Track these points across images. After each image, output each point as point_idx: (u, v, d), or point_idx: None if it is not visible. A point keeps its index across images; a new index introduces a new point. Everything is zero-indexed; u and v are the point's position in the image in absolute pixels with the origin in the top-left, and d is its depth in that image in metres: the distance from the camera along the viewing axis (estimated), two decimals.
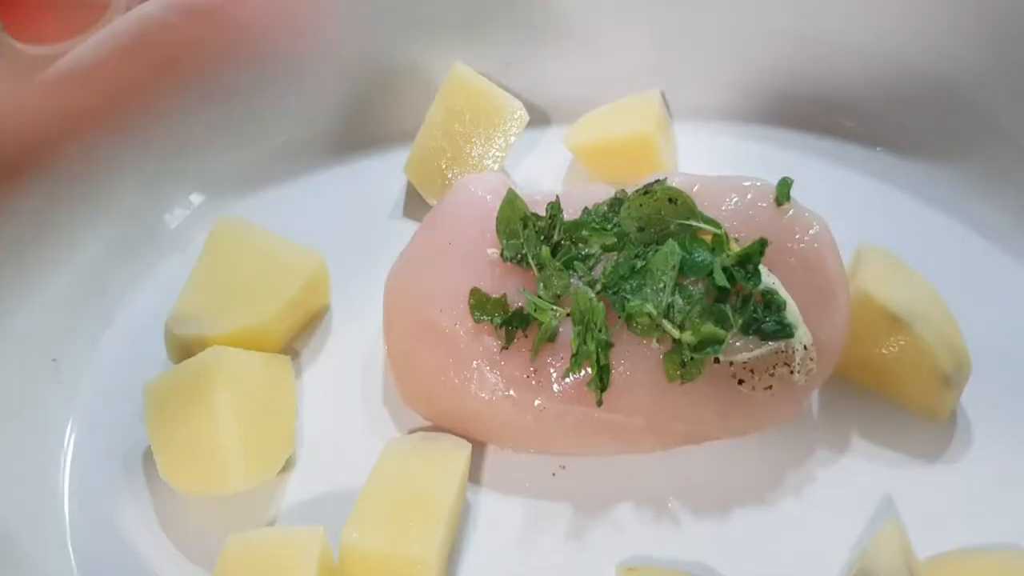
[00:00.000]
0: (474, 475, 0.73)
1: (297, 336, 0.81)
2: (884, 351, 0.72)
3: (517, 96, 0.91)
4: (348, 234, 0.88)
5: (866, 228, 0.83)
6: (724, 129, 0.95)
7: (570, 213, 0.74)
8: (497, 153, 0.88)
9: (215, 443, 0.67)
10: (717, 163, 0.85)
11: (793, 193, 0.73)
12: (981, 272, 0.83)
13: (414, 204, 0.90)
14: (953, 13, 0.86)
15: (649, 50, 0.95)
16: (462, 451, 0.71)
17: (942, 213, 0.87)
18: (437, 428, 0.75)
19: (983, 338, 0.77)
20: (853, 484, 0.72)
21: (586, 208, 0.74)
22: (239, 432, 0.67)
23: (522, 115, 0.89)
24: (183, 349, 0.75)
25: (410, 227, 0.84)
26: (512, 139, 0.88)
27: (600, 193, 0.76)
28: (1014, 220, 0.85)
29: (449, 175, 0.88)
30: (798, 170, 0.87)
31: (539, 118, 0.95)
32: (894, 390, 0.74)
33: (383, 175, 0.91)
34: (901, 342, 0.71)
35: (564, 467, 0.74)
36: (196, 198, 0.89)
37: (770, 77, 0.95)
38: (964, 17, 0.86)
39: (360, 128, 0.93)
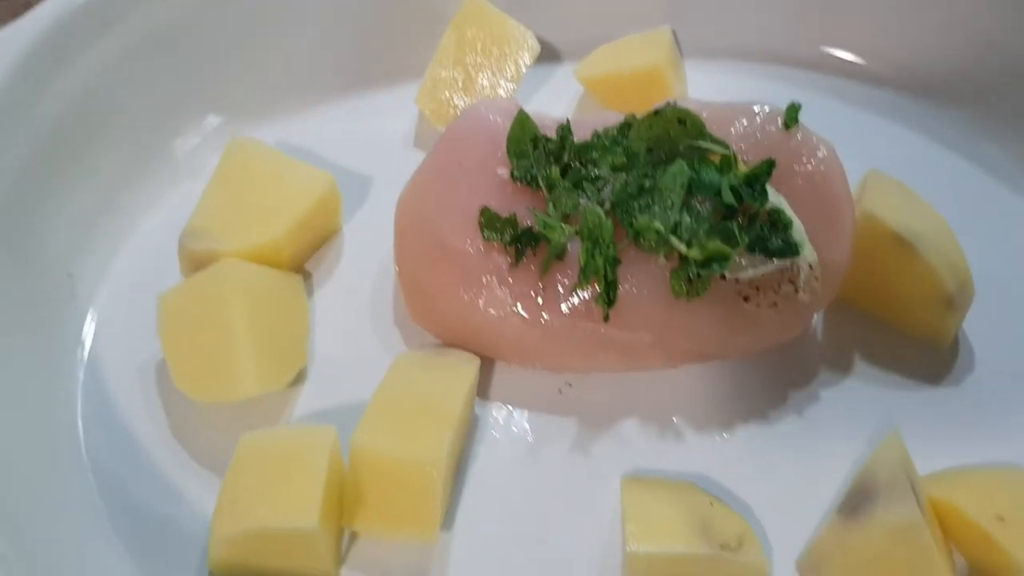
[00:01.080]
0: (483, 391, 0.75)
1: (310, 257, 0.82)
2: (888, 272, 0.73)
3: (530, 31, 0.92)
4: (361, 162, 0.89)
5: (875, 161, 0.84)
6: (735, 67, 0.96)
7: (581, 138, 0.75)
8: (508, 83, 0.89)
9: (227, 349, 0.68)
10: (727, 100, 0.85)
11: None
12: (985, 206, 0.84)
13: (426, 135, 0.91)
14: None
15: None
16: (471, 364, 0.72)
17: (953, 152, 0.88)
18: (447, 345, 0.76)
19: (986, 268, 0.78)
20: (855, 405, 0.73)
21: (596, 131, 0.75)
22: (250, 339, 0.69)
23: (533, 44, 0.89)
24: (196, 264, 0.76)
25: (421, 157, 0.84)
26: (523, 68, 0.89)
27: (611, 119, 0.77)
28: (1018, 158, 0.86)
29: (460, 105, 0.89)
30: (808, 107, 0.89)
31: (551, 54, 0.96)
32: (898, 313, 0.75)
33: (396, 106, 0.92)
34: (906, 263, 0.72)
35: (571, 384, 0.75)
36: (211, 122, 0.90)
37: (781, 16, 0.95)
38: None
39: (373, 60, 0.94)
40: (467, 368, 0.71)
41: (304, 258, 0.81)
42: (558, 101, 0.94)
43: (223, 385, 0.68)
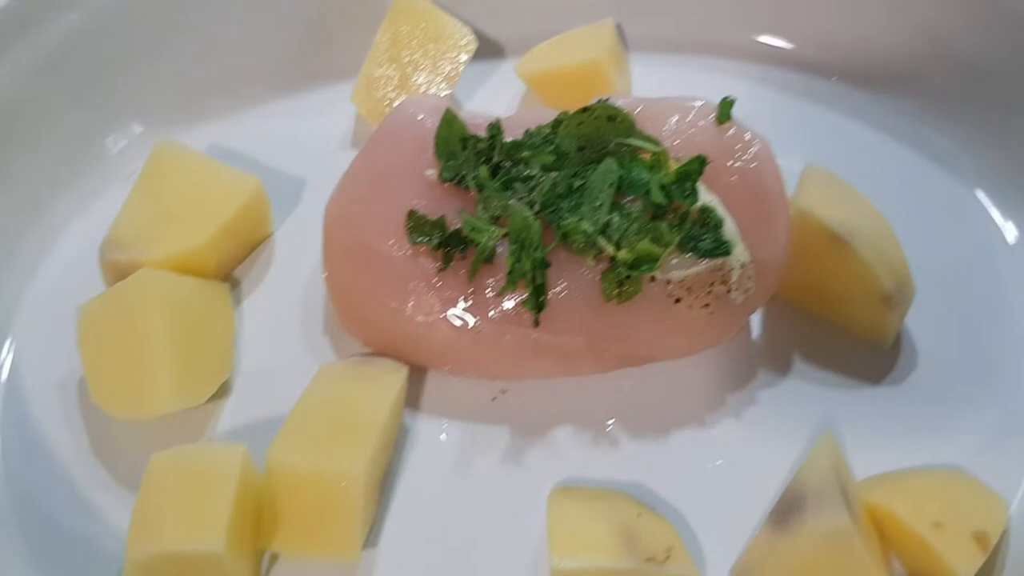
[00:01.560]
0: (414, 400, 0.73)
1: (238, 264, 0.80)
2: (825, 270, 0.71)
3: (471, 27, 0.90)
4: (295, 164, 0.87)
5: (817, 155, 0.83)
6: (679, 60, 0.94)
7: (514, 136, 0.73)
8: (444, 80, 0.86)
9: (143, 364, 0.66)
10: (672, 93, 0.83)
11: (747, 120, 0.71)
12: (932, 199, 0.83)
13: (363, 134, 0.89)
14: None
15: None
16: (398, 374, 0.70)
17: (895, 141, 0.86)
18: (377, 354, 0.74)
19: (933, 263, 0.77)
20: (794, 406, 0.72)
21: (527, 130, 0.73)
22: (168, 353, 0.67)
23: (470, 41, 0.87)
24: (119, 275, 0.74)
25: None
26: (460, 66, 0.87)
27: (544, 117, 0.75)
28: (965, 148, 0.84)
29: (396, 103, 0.86)
30: (753, 99, 0.88)
31: (494, 49, 0.94)
32: (837, 311, 0.73)
33: (331, 106, 0.90)
34: (842, 261, 0.70)
35: (505, 392, 0.73)
36: (139, 127, 0.87)
37: (728, 9, 0.93)
38: None
39: (308, 59, 0.92)
40: (394, 377, 0.69)
41: (231, 265, 0.79)
42: (500, 98, 0.92)
43: (139, 401, 0.66)
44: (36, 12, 0.82)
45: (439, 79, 0.87)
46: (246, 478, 0.62)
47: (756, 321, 0.76)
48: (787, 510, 0.61)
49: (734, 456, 0.70)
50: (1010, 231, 0.81)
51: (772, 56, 0.92)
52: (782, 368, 0.73)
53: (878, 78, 0.89)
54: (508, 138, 0.72)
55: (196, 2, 0.89)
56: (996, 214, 0.82)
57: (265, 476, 0.62)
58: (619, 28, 0.94)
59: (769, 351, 0.74)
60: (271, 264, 0.81)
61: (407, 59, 0.87)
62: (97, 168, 0.85)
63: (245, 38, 0.90)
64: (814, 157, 0.82)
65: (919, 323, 0.75)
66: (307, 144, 0.88)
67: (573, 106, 0.79)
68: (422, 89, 0.86)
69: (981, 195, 0.83)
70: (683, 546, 0.63)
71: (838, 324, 0.74)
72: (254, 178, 0.78)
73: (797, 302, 0.75)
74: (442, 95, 0.86)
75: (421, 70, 0.87)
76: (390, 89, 0.87)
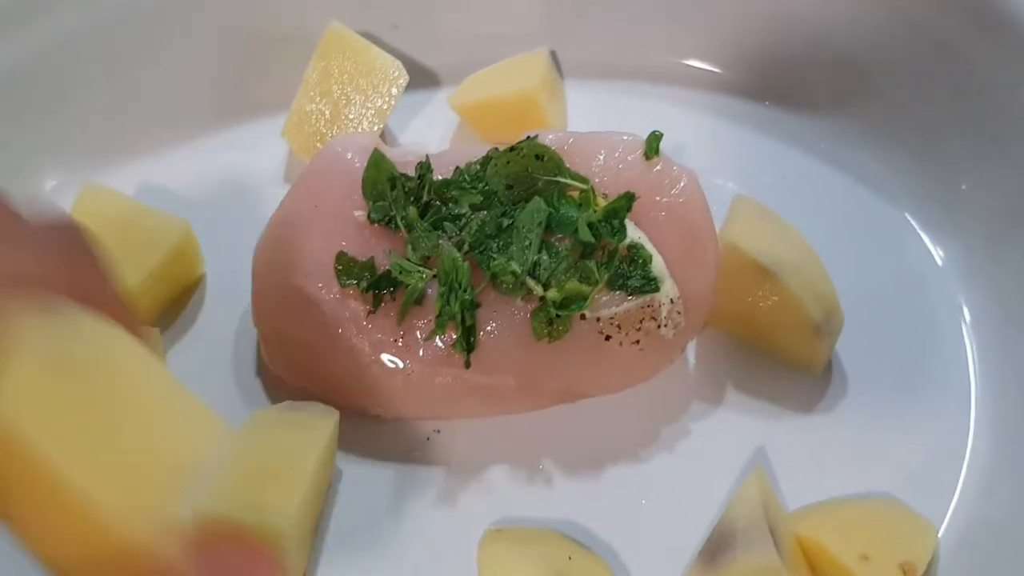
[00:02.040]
0: (348, 444, 0.72)
1: (168, 308, 0.79)
2: (754, 302, 0.71)
3: (405, 58, 0.89)
4: (226, 204, 0.86)
5: (750, 181, 0.84)
6: (616, 87, 0.94)
7: (444, 173, 0.73)
8: (376, 115, 0.86)
9: None
10: (609, 121, 0.83)
11: (678, 149, 0.72)
12: (863, 222, 0.83)
13: (295, 169, 0.88)
14: None
15: (539, 8, 0.94)
16: (329, 418, 0.69)
17: (825, 164, 0.87)
18: (309, 398, 0.73)
19: (864, 288, 0.78)
20: (727, 437, 0.72)
21: (458, 167, 0.73)
22: None
23: (400, 74, 0.87)
24: None
25: None
26: (392, 100, 0.87)
27: (475, 153, 0.75)
28: (894, 171, 0.85)
29: (328, 138, 0.86)
30: (687, 126, 0.89)
31: (428, 80, 0.94)
32: (767, 342, 0.74)
33: (263, 141, 0.89)
34: (770, 292, 0.70)
35: (439, 431, 0.73)
36: (65, 168, 0.86)
37: (662, 35, 0.93)
38: None
39: (237, 94, 0.91)
40: (324, 422, 0.69)
41: (160, 310, 0.78)
42: (434, 130, 0.92)
43: None
44: None
45: (371, 113, 0.86)
46: None
47: (690, 352, 0.76)
48: (716, 548, 0.61)
49: (667, 491, 0.70)
50: (939, 253, 0.82)
51: (706, 81, 0.93)
52: (715, 399, 0.74)
53: (808, 102, 0.90)
54: (439, 175, 0.72)
55: (122, 40, 0.87)
56: (925, 237, 0.83)
57: (194, 528, 0.61)
58: (553, 56, 0.94)
59: (702, 382, 0.75)
60: (201, 306, 0.80)
61: (338, 94, 0.86)
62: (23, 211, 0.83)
63: (173, 74, 0.89)
64: (746, 182, 0.84)
65: (850, 349, 0.75)
66: (238, 181, 0.87)
67: (508, 138, 0.79)
68: (353, 123, 0.86)
69: (911, 218, 0.84)
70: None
71: (770, 353, 0.74)
72: (183, 221, 0.77)
73: (729, 333, 0.75)
74: (375, 129, 0.86)
75: (352, 104, 0.86)
76: (321, 124, 0.86)
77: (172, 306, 0.79)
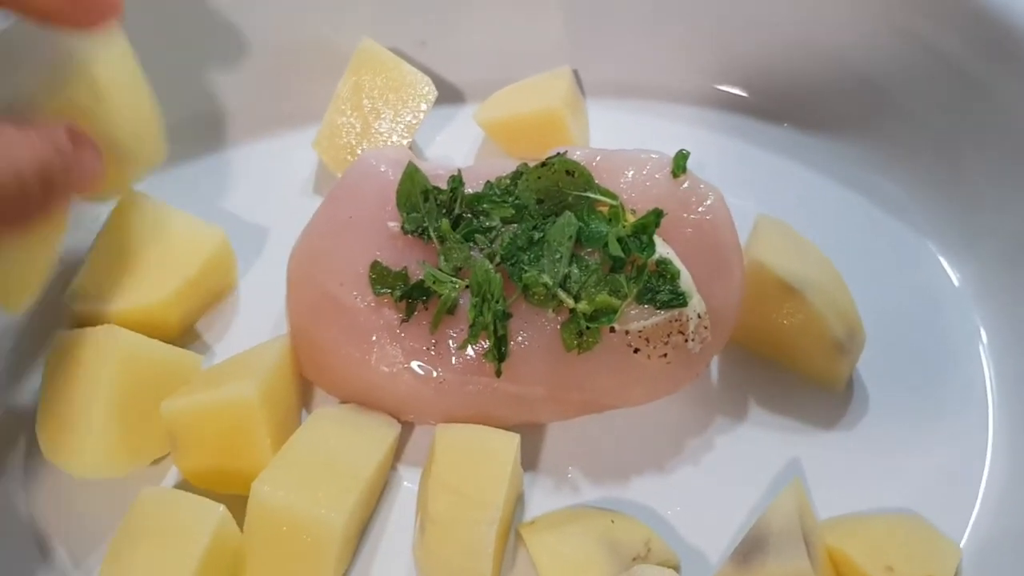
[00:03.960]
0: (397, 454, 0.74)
1: (201, 316, 0.80)
2: (778, 319, 0.73)
3: (432, 74, 0.91)
4: (258, 212, 0.87)
5: (770, 201, 0.85)
6: (638, 106, 0.96)
7: (475, 187, 0.74)
8: (405, 129, 0.88)
9: (79, 422, 0.66)
10: (630, 139, 0.85)
11: (700, 169, 0.73)
12: (881, 244, 0.85)
13: (325, 181, 0.89)
14: None
15: (563, 28, 0.95)
16: (391, 429, 0.72)
17: (844, 187, 0.88)
18: (342, 402, 0.74)
19: (882, 308, 0.79)
20: (750, 451, 0.73)
21: (488, 181, 0.74)
22: (105, 418, 0.66)
23: (430, 90, 0.88)
24: (82, 325, 0.74)
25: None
26: (420, 115, 0.88)
27: (504, 167, 0.76)
28: (912, 193, 0.87)
29: (359, 150, 0.87)
30: (708, 146, 0.90)
31: (453, 96, 0.95)
32: (790, 358, 0.75)
33: (295, 152, 0.91)
34: (794, 310, 0.72)
35: None
36: None
37: (682, 55, 0.95)
38: None
39: (270, 107, 0.93)
40: (387, 432, 0.71)
41: (195, 317, 0.79)
42: (459, 145, 0.93)
43: (71, 460, 0.66)
44: None
45: (400, 127, 0.88)
46: (221, 535, 0.62)
47: (713, 367, 0.77)
48: (749, 550, 0.63)
49: (693, 503, 0.71)
50: (956, 274, 0.83)
51: (724, 101, 0.95)
52: (738, 414, 0.75)
53: (826, 124, 0.92)
54: (469, 189, 0.74)
55: (155, 49, 0.89)
56: (942, 258, 0.84)
57: (248, 507, 0.63)
58: (576, 75, 0.96)
59: (726, 397, 0.76)
60: (236, 314, 0.81)
61: (369, 108, 0.88)
62: None
63: (209, 86, 0.91)
64: (767, 202, 0.85)
65: (870, 367, 0.77)
66: (269, 190, 0.89)
67: (531, 153, 0.81)
68: (384, 137, 0.87)
69: (927, 239, 0.85)
70: (657, 535, 0.66)
71: (792, 370, 0.76)
72: (219, 231, 0.79)
73: (752, 349, 0.77)
74: (404, 142, 0.87)
75: (383, 118, 0.88)
76: (352, 137, 0.88)
77: (207, 313, 0.80)
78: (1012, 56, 0.80)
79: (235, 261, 0.81)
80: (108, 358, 0.67)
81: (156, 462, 0.72)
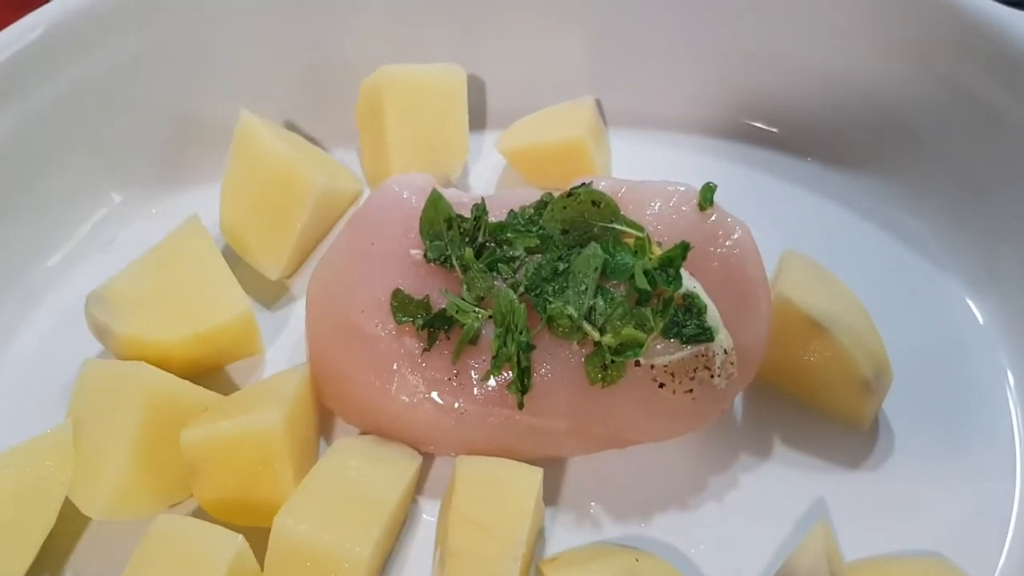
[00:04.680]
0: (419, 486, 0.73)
1: (211, 366, 0.78)
2: (805, 356, 0.72)
3: None
4: None
5: (795, 236, 0.85)
6: (659, 138, 0.96)
7: (498, 216, 0.74)
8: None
9: (104, 462, 0.66)
10: (651, 170, 0.84)
11: (725, 201, 0.72)
12: (905, 281, 0.84)
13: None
14: (880, 31, 0.87)
15: (587, 58, 0.95)
16: (413, 461, 0.71)
17: (868, 222, 0.88)
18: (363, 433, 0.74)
19: (907, 346, 0.78)
20: (776, 490, 0.72)
21: (512, 210, 0.74)
22: (124, 463, 0.66)
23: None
24: (98, 331, 0.73)
25: None
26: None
27: (528, 197, 0.76)
28: (936, 230, 0.86)
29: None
30: (731, 179, 0.90)
31: (476, 123, 0.95)
32: (816, 396, 0.74)
33: None
34: (821, 347, 0.71)
35: None
36: (118, 196, 0.87)
37: (707, 88, 0.95)
38: (890, 35, 0.87)
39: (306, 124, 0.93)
40: (408, 463, 0.70)
41: (206, 366, 0.77)
42: (481, 172, 0.93)
43: (89, 503, 0.66)
44: (14, 79, 0.81)
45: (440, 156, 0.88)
46: (238, 567, 0.61)
47: (737, 403, 0.76)
48: None
49: (717, 540, 0.70)
50: (980, 311, 0.82)
51: (746, 134, 0.94)
52: (762, 451, 0.74)
53: (852, 160, 0.91)
54: (492, 218, 0.73)
55: (178, 71, 0.89)
56: (966, 295, 0.84)
57: (271, 539, 0.62)
58: (599, 104, 0.95)
59: (750, 434, 0.75)
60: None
61: (412, 133, 0.88)
62: (74, 237, 0.85)
63: (228, 107, 0.90)
64: (792, 236, 0.84)
65: (895, 406, 0.76)
66: None
67: (553, 182, 0.80)
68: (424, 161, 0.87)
69: (952, 276, 0.84)
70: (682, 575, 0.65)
71: (817, 408, 0.75)
72: (246, 302, 0.75)
73: (777, 385, 0.76)
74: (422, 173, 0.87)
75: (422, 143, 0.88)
76: (388, 160, 0.87)
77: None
78: None
79: (257, 334, 0.78)
80: (133, 401, 0.66)
81: (173, 507, 0.71)
